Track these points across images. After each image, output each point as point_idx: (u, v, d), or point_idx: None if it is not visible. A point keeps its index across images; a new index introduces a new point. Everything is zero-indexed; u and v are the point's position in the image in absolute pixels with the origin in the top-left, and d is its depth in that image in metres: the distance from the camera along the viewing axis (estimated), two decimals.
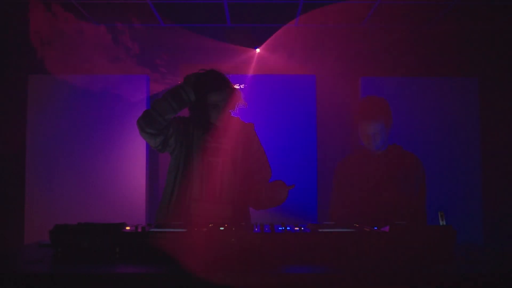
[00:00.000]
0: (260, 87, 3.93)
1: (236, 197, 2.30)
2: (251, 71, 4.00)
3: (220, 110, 2.26)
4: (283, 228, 1.79)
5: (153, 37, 4.05)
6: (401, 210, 2.43)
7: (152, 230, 1.72)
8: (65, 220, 1.98)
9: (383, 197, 2.45)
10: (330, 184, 2.65)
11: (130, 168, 3.87)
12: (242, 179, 2.32)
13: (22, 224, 3.81)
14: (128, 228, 1.80)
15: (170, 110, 2.20)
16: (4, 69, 3.97)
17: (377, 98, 2.53)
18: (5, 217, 3.88)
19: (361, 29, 4.05)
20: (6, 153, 3.93)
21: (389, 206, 2.42)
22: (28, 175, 3.84)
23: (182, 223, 1.92)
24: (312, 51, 4.06)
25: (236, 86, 2.35)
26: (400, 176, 2.48)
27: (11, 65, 3.98)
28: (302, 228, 1.79)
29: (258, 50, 3.97)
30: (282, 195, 2.20)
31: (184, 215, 2.24)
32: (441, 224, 1.79)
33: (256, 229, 1.73)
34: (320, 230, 1.72)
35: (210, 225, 1.85)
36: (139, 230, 1.74)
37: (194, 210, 2.25)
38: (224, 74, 2.30)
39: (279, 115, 3.93)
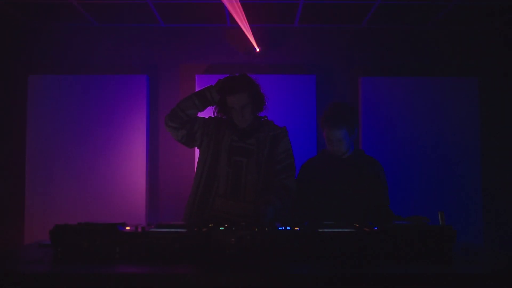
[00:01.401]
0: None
1: (258, 197, 2.34)
2: (251, 71, 3.99)
3: (238, 113, 2.35)
4: (283, 228, 1.79)
5: (153, 37, 4.05)
6: (365, 210, 2.49)
7: (152, 230, 1.72)
8: (65, 220, 1.98)
9: (346, 199, 2.50)
10: None
11: (130, 168, 3.87)
12: (265, 180, 2.39)
13: (22, 224, 3.81)
14: (128, 228, 1.80)
15: (192, 106, 2.37)
16: (4, 69, 3.97)
17: (342, 105, 2.60)
18: (5, 217, 3.87)
19: (361, 29, 4.06)
20: (6, 153, 3.93)
21: (352, 208, 2.47)
22: (28, 175, 3.84)
23: (182, 223, 1.92)
24: (312, 51, 4.07)
25: (257, 90, 2.45)
26: (362, 180, 2.55)
27: (11, 65, 3.98)
28: (302, 228, 1.79)
29: (258, 50, 3.97)
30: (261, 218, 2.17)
31: (208, 209, 2.34)
32: (441, 224, 1.80)
33: (256, 229, 1.73)
34: (320, 230, 1.73)
35: (210, 225, 1.85)
36: (139, 230, 1.74)
37: (218, 205, 2.34)
38: (245, 78, 2.40)
39: (279, 115, 3.91)
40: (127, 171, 3.86)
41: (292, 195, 2.42)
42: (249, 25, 3.59)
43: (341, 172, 2.55)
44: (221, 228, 1.72)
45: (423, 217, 2.09)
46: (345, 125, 2.49)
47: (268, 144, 2.43)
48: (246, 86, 2.36)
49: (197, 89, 3.87)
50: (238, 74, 2.42)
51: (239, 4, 3.23)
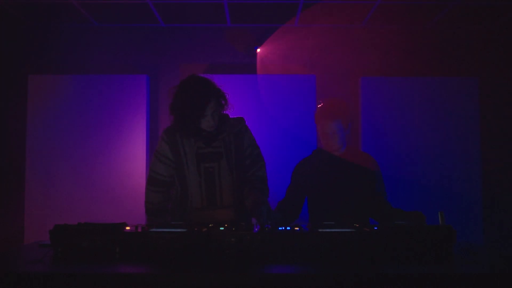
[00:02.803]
0: (260, 87, 3.93)
1: (237, 199, 2.30)
2: (251, 71, 4.00)
3: (209, 119, 2.19)
4: (283, 228, 1.79)
5: (153, 37, 4.05)
6: (365, 207, 2.49)
7: (152, 230, 1.72)
8: (65, 220, 1.98)
9: (343, 196, 2.48)
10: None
11: (130, 168, 3.87)
12: (239, 179, 2.31)
13: (22, 224, 3.81)
14: (128, 228, 1.80)
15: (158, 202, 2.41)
16: (4, 69, 3.97)
17: (336, 99, 2.61)
18: (5, 217, 3.88)
19: (361, 29, 4.06)
20: (6, 153, 3.94)
21: (349, 205, 2.47)
22: (28, 175, 3.84)
23: (182, 223, 1.92)
24: (312, 51, 4.07)
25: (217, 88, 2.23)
26: (359, 177, 2.53)
27: (11, 65, 3.98)
28: (302, 228, 1.79)
29: (258, 50, 3.97)
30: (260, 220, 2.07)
31: (188, 222, 2.27)
32: (441, 224, 1.80)
33: (255, 229, 1.73)
34: (320, 230, 1.72)
35: (210, 225, 1.85)
36: (139, 230, 1.74)
37: (198, 218, 2.26)
38: (209, 84, 2.18)
39: (279, 115, 3.93)
40: (127, 171, 3.86)
41: (267, 184, 2.38)
42: (249, 25, 3.59)
43: (337, 170, 2.54)
44: (221, 228, 1.72)
45: (419, 212, 2.13)
46: (340, 117, 2.49)
47: (233, 143, 2.31)
48: (213, 92, 2.18)
49: None
50: (196, 82, 2.18)
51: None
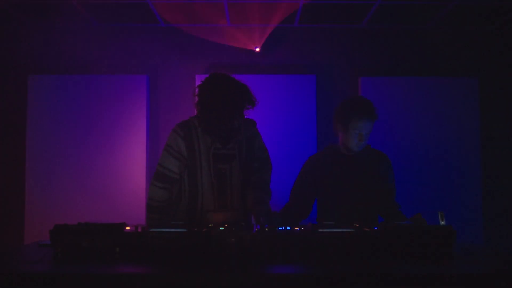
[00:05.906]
0: (260, 87, 3.92)
1: (247, 196, 2.28)
2: (251, 71, 4.00)
3: (235, 121, 2.21)
4: (283, 228, 1.79)
5: (153, 37, 4.05)
6: (376, 206, 2.49)
7: (152, 230, 1.72)
8: (65, 220, 1.98)
9: (356, 195, 2.46)
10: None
11: (130, 168, 3.86)
12: (246, 182, 2.31)
13: (22, 224, 3.81)
14: (128, 228, 1.80)
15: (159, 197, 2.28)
16: (4, 69, 3.97)
17: (364, 98, 2.52)
18: (5, 217, 3.87)
19: (361, 29, 4.05)
20: (6, 153, 3.93)
21: (361, 203, 2.45)
22: (28, 175, 3.84)
23: (182, 223, 1.92)
24: (312, 51, 4.06)
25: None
26: (373, 176, 2.50)
27: (11, 65, 3.98)
28: (302, 228, 1.79)
29: (258, 50, 3.97)
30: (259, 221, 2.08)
31: (197, 224, 2.24)
32: (441, 224, 1.80)
33: (255, 229, 1.73)
34: (320, 230, 1.73)
35: (210, 225, 1.85)
36: (139, 230, 1.74)
37: (210, 220, 2.20)
38: (241, 90, 2.19)
39: (279, 115, 3.93)
40: (127, 171, 3.86)
41: (269, 188, 2.35)
42: (249, 25, 3.59)
43: (351, 167, 2.49)
44: (221, 228, 1.72)
45: (418, 214, 2.15)
46: (376, 117, 2.44)
47: (245, 146, 2.31)
48: (246, 100, 2.23)
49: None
50: (233, 88, 2.19)
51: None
